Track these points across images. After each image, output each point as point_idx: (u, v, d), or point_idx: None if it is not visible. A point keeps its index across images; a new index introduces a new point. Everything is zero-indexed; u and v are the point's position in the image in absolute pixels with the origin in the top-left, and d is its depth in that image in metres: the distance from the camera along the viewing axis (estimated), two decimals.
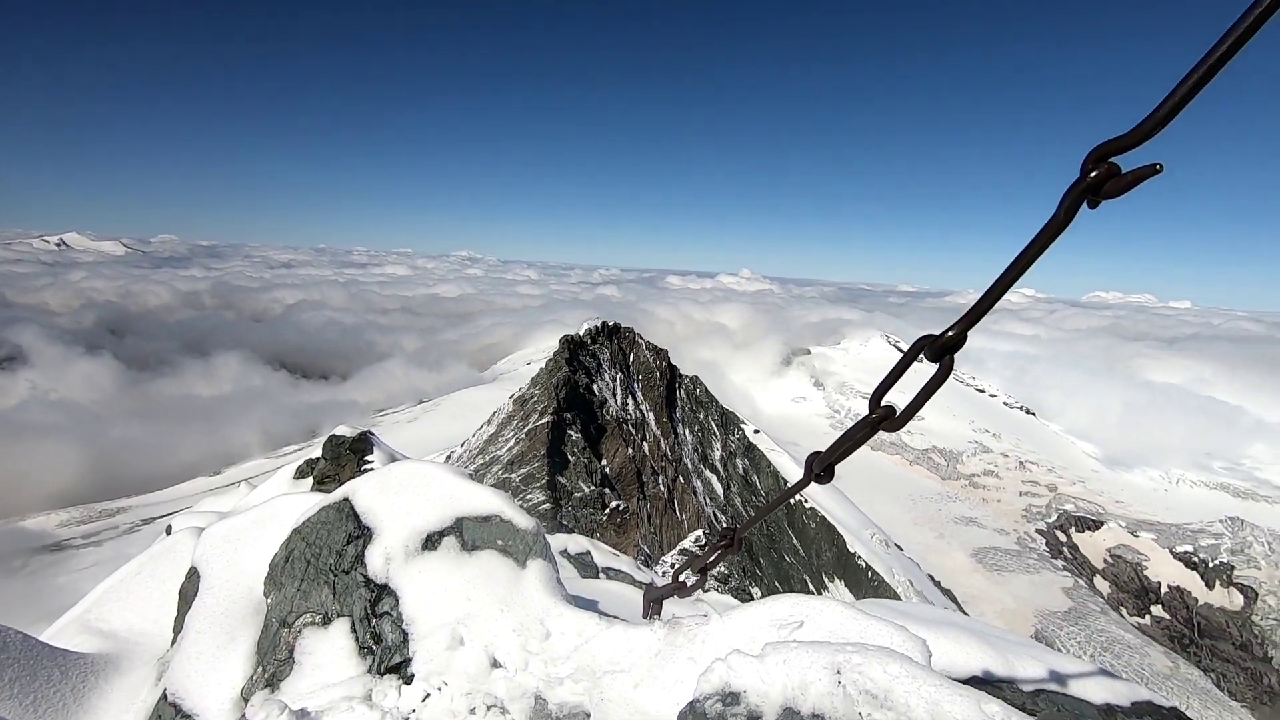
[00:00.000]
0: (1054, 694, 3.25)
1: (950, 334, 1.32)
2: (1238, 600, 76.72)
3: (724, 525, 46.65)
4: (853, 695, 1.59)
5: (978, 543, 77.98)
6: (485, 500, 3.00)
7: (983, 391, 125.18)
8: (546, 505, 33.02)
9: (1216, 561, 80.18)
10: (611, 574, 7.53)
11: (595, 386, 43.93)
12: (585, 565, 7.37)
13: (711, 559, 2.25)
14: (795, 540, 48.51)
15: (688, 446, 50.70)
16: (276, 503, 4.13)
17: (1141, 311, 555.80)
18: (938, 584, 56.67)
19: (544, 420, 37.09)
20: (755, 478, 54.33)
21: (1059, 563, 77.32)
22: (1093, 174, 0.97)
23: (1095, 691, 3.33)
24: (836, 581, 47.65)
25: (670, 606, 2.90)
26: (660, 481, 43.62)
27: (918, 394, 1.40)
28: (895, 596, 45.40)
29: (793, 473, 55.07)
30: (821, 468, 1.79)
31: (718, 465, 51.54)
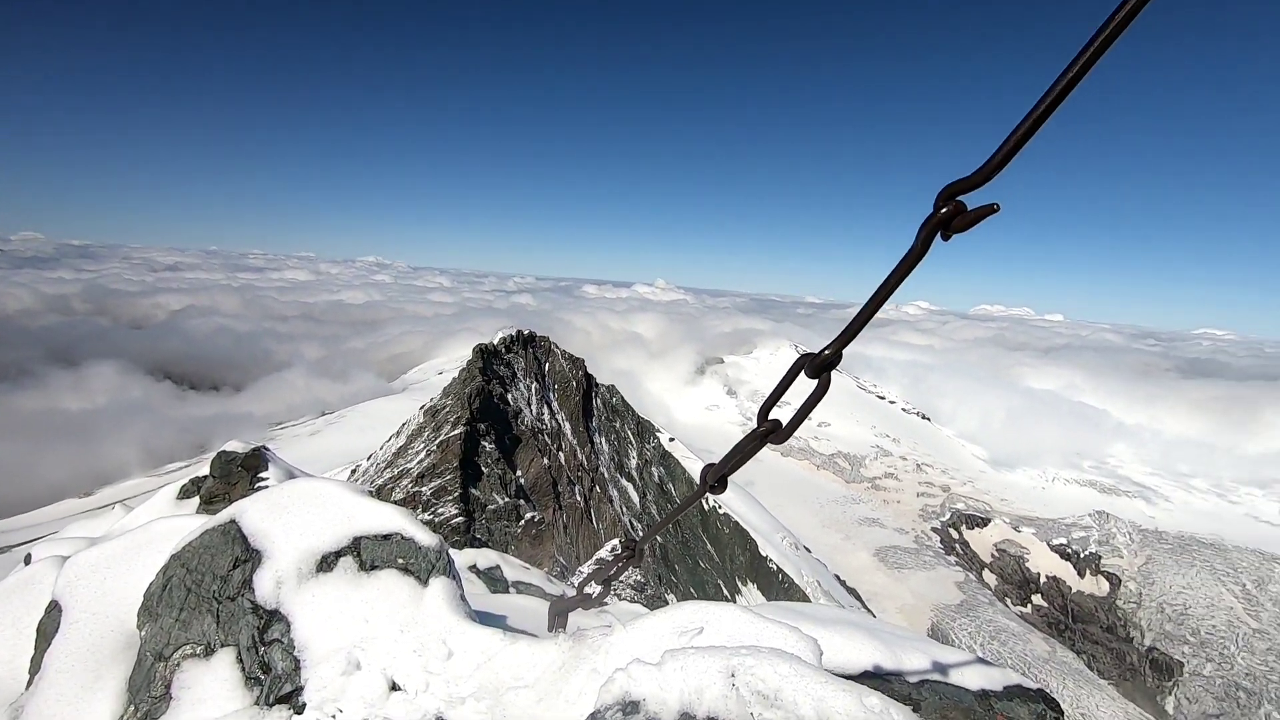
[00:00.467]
0: (936, 684, 3.51)
1: (827, 353, 1.41)
2: (1104, 587, 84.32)
3: (639, 533, 46.80)
4: (745, 697, 1.66)
5: (880, 542, 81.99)
6: (385, 518, 2.89)
7: (883, 398, 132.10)
8: (459, 519, 32.16)
9: (1086, 552, 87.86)
10: (522, 588, 7.42)
11: (510, 396, 43.24)
12: (495, 580, 7.22)
13: (614, 571, 2.28)
14: (710, 546, 49.38)
15: (604, 455, 50.70)
16: (154, 526, 3.80)
17: (1021, 323, 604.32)
18: (843, 583, 59.04)
19: (456, 431, 36.15)
20: (671, 485, 54.97)
21: (952, 558, 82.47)
22: (943, 210, 1.07)
23: (973, 679, 3.64)
24: (749, 584, 48.83)
25: (577, 619, 2.91)
26: (576, 491, 43.37)
27: (799, 408, 1.53)
28: (804, 597, 46.96)
29: None
30: (715, 479, 1.90)
31: (634, 473, 51.81)
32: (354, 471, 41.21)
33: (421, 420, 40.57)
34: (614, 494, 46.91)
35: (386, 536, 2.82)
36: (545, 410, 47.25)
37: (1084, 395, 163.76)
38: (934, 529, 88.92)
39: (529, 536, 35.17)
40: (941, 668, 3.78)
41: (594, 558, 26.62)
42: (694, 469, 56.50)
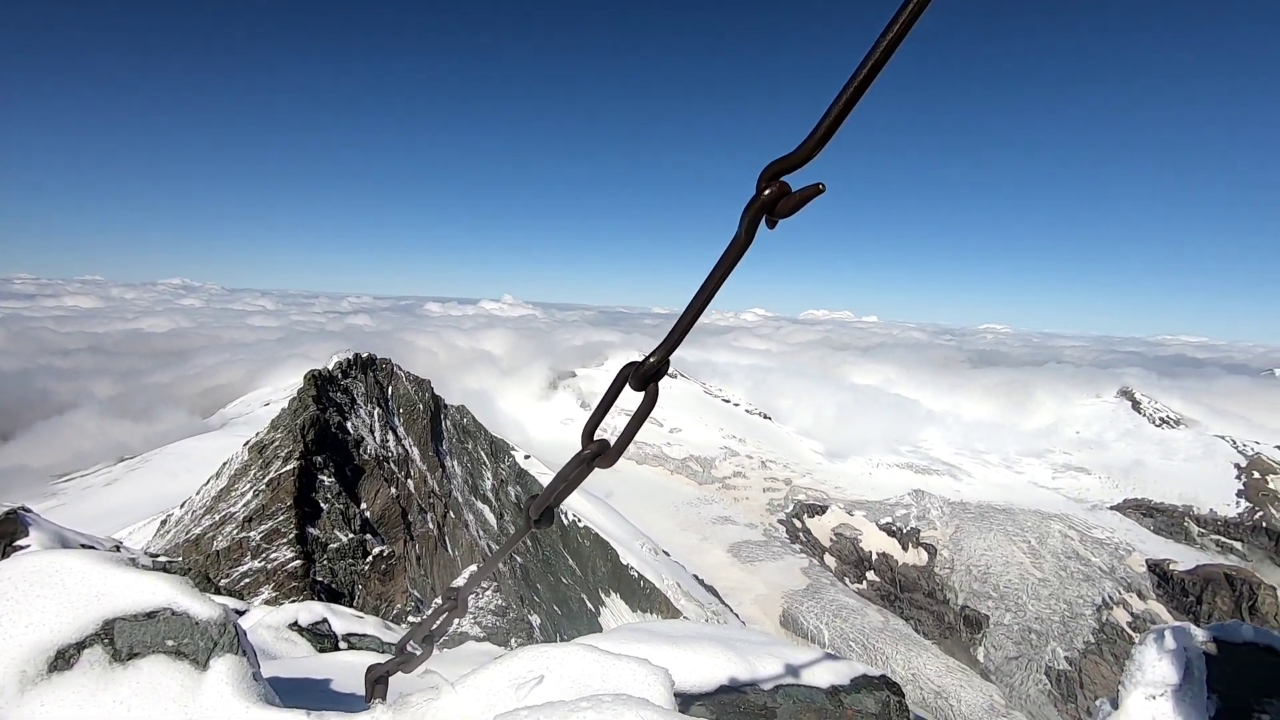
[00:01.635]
0: (790, 687, 3.59)
1: (652, 361, 1.32)
2: (924, 557, 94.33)
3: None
4: None
5: (733, 538, 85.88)
6: (148, 592, 2.32)
7: (728, 401, 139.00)
8: (296, 562, 29.20)
9: (908, 528, 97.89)
10: (355, 641, 6.69)
11: (350, 424, 40.13)
12: (321, 636, 6.44)
13: (436, 624, 1.98)
14: (571, 560, 48.91)
15: (457, 479, 48.59)
16: None
17: (844, 325, 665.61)
18: (702, 582, 60.98)
19: (289, 466, 32.86)
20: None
21: (797, 547, 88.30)
22: (766, 192, 1.00)
23: (823, 676, 3.77)
24: (613, 595, 48.96)
25: (400, 683, 2.55)
26: (429, 519, 41.12)
27: (627, 425, 1.37)
28: (666, 601, 47.88)
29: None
30: (539, 513, 1.67)
31: (490, 495, 50.13)
32: (164, 522, 36.20)
33: (247, 457, 36.47)
34: (469, 518, 45.05)
35: (151, 615, 2.26)
36: (390, 437, 44.42)
37: (899, 388, 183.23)
38: (780, 521, 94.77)
39: (378, 573, 32.75)
40: (794, 669, 3.87)
41: (452, 585, 25.32)
42: None
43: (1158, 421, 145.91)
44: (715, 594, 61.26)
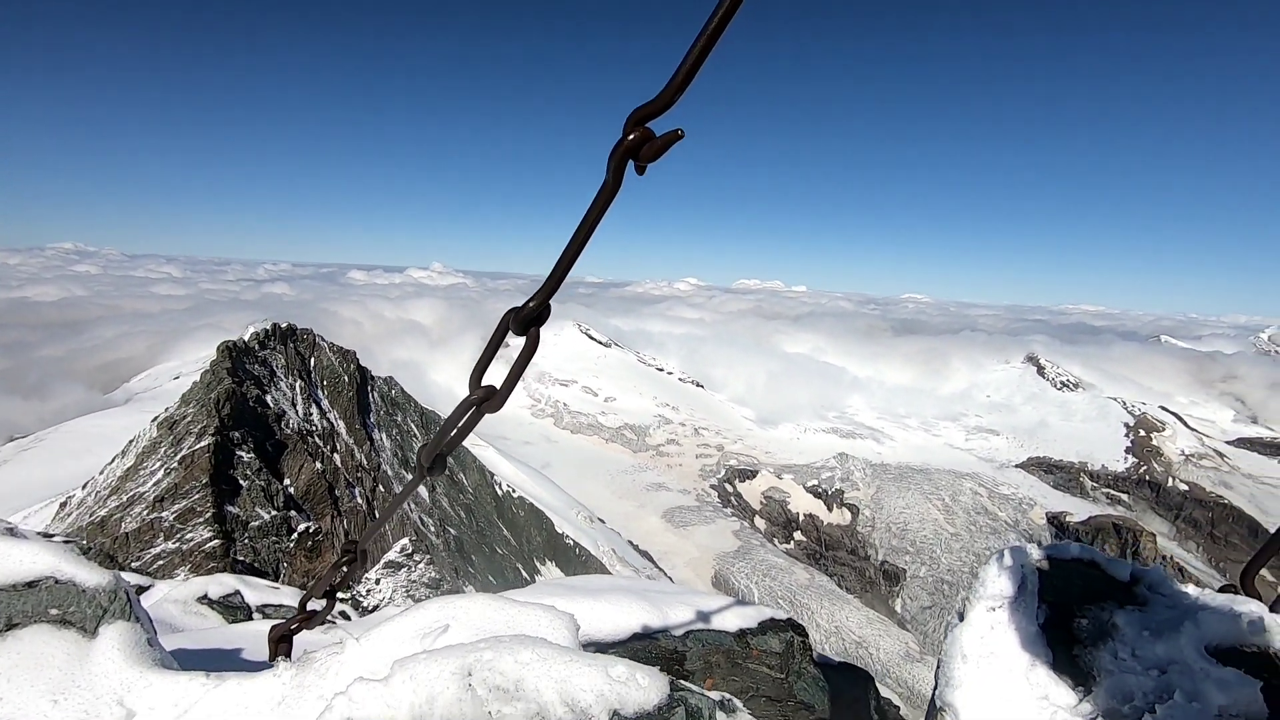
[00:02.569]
0: (699, 632, 3.80)
1: (532, 305, 1.37)
2: (848, 517, 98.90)
3: (431, 529, 44.48)
4: (482, 695, 1.55)
5: (667, 504, 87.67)
6: (28, 560, 2.19)
7: (662, 370, 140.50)
8: (214, 542, 28.02)
9: (833, 489, 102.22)
10: (270, 612, 6.55)
11: (269, 398, 38.43)
12: (233, 608, 6.27)
13: (337, 579, 1.98)
14: (506, 531, 48.86)
15: (386, 452, 47.48)
16: None
17: (775, 295, 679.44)
18: (636, 548, 62.10)
19: (203, 443, 31.28)
20: (462, 475, 53.22)
21: (729, 510, 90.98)
22: (630, 137, 1.05)
23: (732, 621, 4.00)
24: (548, 563, 49.29)
25: (307, 640, 2.53)
26: (358, 494, 40.14)
27: (511, 369, 1.46)
28: (602, 567, 48.57)
29: (498, 466, 55.29)
30: (430, 460, 1.72)
31: None
32: (64, 504, 33.95)
33: (156, 434, 34.45)
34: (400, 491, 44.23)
35: (32, 584, 2.14)
36: (314, 410, 42.83)
37: (826, 356, 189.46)
38: (712, 486, 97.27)
39: (304, 550, 31.82)
40: (704, 615, 4.09)
41: (381, 561, 24.88)
42: (485, 456, 55.31)
43: (1059, 385, 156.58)
44: (650, 559, 62.57)
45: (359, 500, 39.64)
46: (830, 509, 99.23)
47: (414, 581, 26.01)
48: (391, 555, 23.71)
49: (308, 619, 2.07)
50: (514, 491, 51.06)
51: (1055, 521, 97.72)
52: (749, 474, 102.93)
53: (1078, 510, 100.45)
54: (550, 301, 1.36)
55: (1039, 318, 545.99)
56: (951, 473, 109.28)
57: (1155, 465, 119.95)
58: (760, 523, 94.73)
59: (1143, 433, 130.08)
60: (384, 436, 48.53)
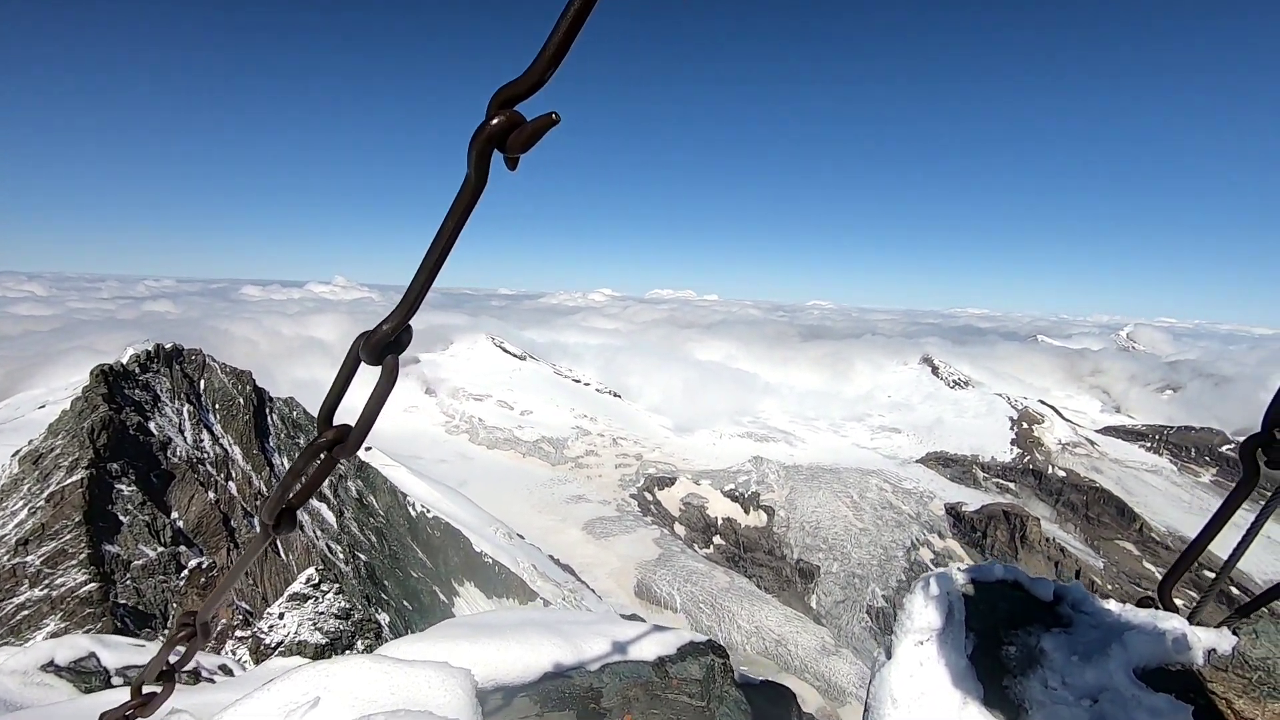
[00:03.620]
0: (616, 665, 3.83)
1: (386, 329, 1.12)
2: (764, 519, 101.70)
3: (340, 555, 42.40)
4: None
5: (587, 516, 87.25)
6: None
7: (579, 381, 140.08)
8: (91, 585, 25.57)
9: (749, 492, 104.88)
10: (133, 674, 6.02)
11: (153, 425, 35.52)
12: (87, 674, 5.71)
13: (173, 659, 1.73)
14: (421, 553, 47.17)
15: None
16: None
17: (688, 304, 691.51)
18: (557, 561, 61.42)
19: (75, 477, 28.54)
20: (372, 498, 51.01)
21: (649, 519, 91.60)
22: (494, 121, 0.88)
23: (649, 649, 4.04)
24: (467, 584, 47.95)
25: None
26: (257, 523, 37.67)
27: (366, 406, 1.15)
28: (521, 584, 47.77)
29: (411, 486, 53.41)
30: (272, 517, 1.41)
31: (326, 492, 46.82)
32: None
33: (18, 470, 31.14)
34: (305, 518, 41.84)
35: None
36: (205, 436, 39.92)
37: (739, 362, 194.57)
38: (632, 495, 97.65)
39: (196, 588, 29.55)
40: (621, 646, 4.09)
41: (285, 594, 23.45)
42: (396, 476, 53.26)
43: (952, 384, 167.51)
44: (571, 572, 62.06)
45: (259, 529, 37.28)
46: (747, 512, 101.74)
47: (321, 614, 24.65)
48: (296, 587, 22.42)
49: (143, 704, 1.81)
50: (429, 512, 49.44)
51: (953, 512, 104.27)
52: (668, 481, 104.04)
53: (972, 500, 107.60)
54: (410, 323, 1.12)
55: (932, 321, 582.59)
56: (859, 470, 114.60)
57: (1037, 455, 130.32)
58: (680, 529, 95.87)
59: (1025, 425, 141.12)
60: (285, 461, 45.84)
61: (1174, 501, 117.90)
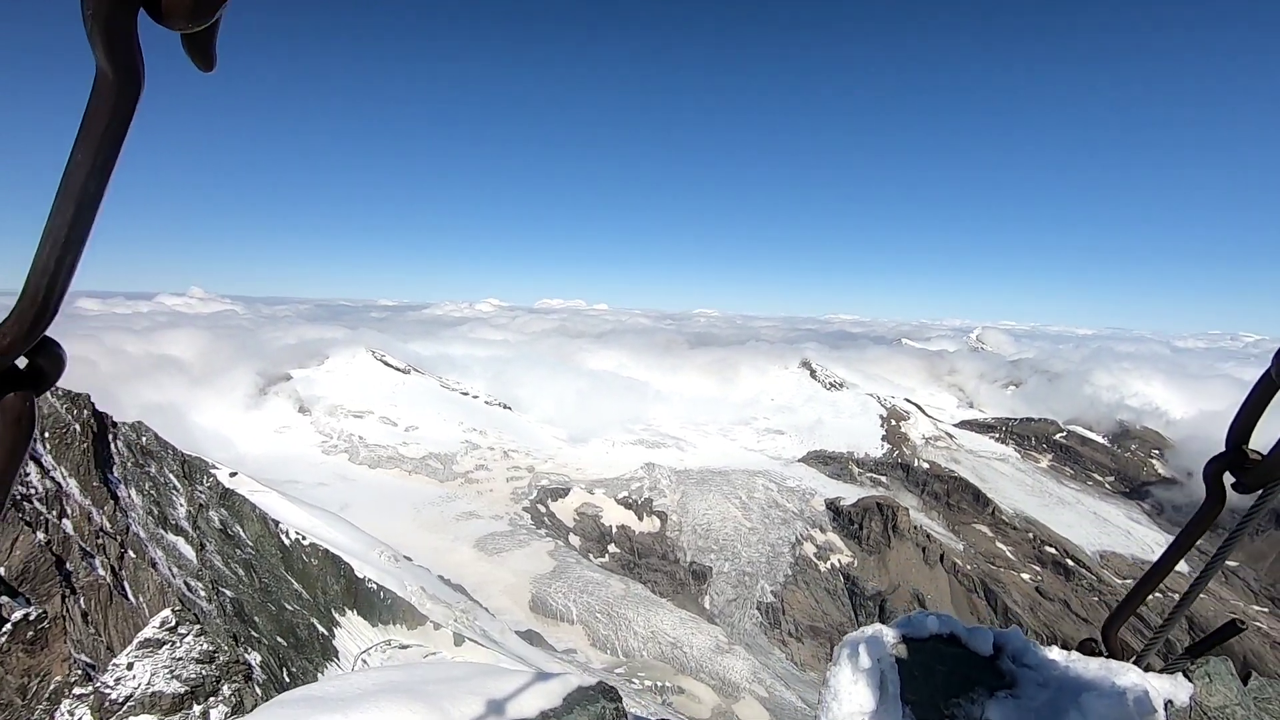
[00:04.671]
0: None
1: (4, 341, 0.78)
2: (657, 524, 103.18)
3: (201, 593, 38.92)
4: None
5: (479, 532, 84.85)
6: None
7: (466, 394, 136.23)
8: None
9: (643, 499, 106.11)
10: None
11: None
12: None
13: None
14: (297, 584, 43.95)
15: (137, 510, 40.35)
16: None
17: (578, 313, 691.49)
18: (448, 582, 59.32)
19: None
20: (238, 527, 46.94)
21: (543, 531, 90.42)
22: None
23: (532, 703, 3.73)
24: (349, 613, 45.18)
25: None
26: (98, 565, 33.57)
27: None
28: (410, 609, 45.79)
29: (284, 512, 49.82)
30: None
31: (184, 525, 42.57)
32: None
33: None
34: (158, 555, 37.76)
35: None
36: (32, 469, 35.22)
37: (630, 371, 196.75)
38: (525, 508, 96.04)
39: (22, 643, 25.92)
40: (497, 706, 3.70)
41: (135, 641, 21.11)
42: (267, 503, 49.36)
43: (829, 386, 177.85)
44: (463, 592, 60.02)
45: (101, 572, 33.21)
46: (641, 518, 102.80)
47: (180, 659, 22.39)
48: (149, 632, 20.23)
49: None
50: (304, 539, 46.19)
51: (832, 507, 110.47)
52: (561, 492, 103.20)
53: (849, 495, 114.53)
54: (50, 332, 0.75)
55: (810, 327, 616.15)
56: (746, 472, 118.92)
57: (904, 449, 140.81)
58: (575, 540, 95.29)
59: (894, 423, 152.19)
60: (133, 493, 41.26)
61: (1019, 486, 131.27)
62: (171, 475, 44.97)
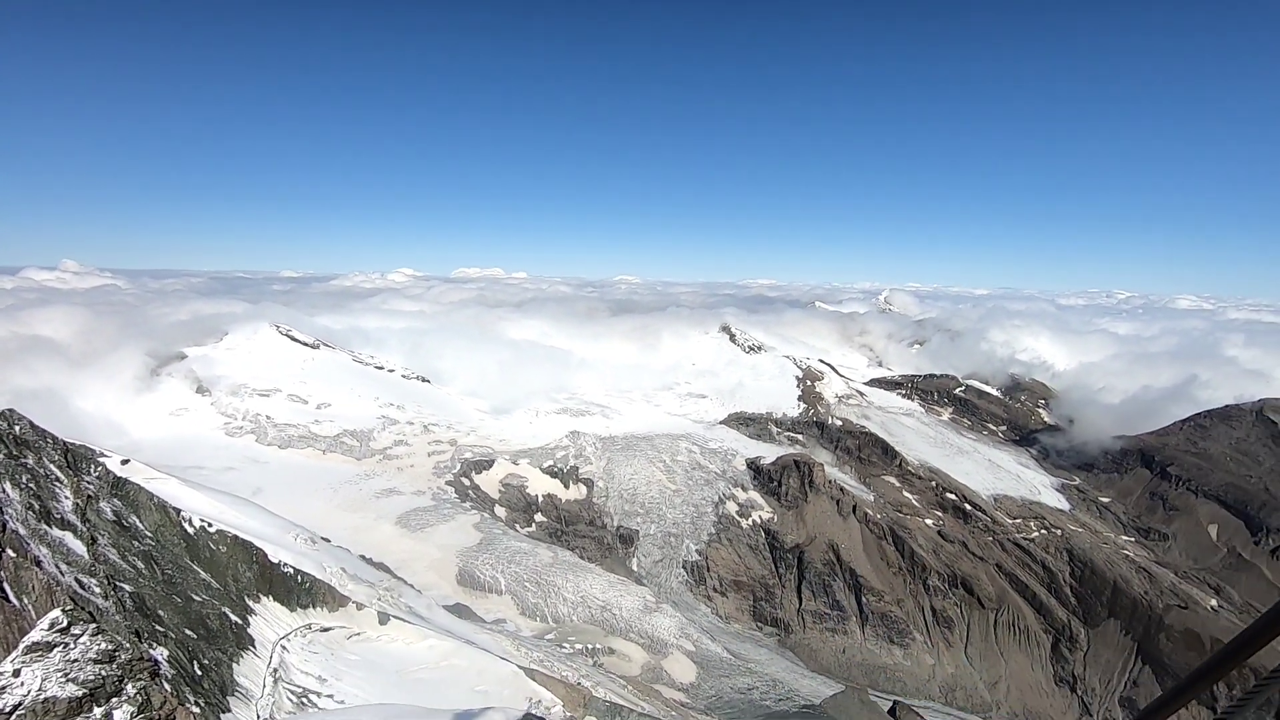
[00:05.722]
0: None
1: None
2: (584, 491, 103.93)
3: (96, 590, 36.58)
4: None
5: (400, 509, 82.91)
6: None
7: (382, 368, 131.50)
8: None
9: (568, 467, 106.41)
10: None
11: None
12: None
13: None
14: (204, 573, 41.73)
15: (15, 506, 37.00)
16: None
17: (496, 282, 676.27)
18: (370, 561, 58.00)
19: None
20: (135, 518, 43.90)
21: (468, 504, 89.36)
22: None
23: None
24: (264, 599, 43.41)
25: None
26: None
27: None
28: (330, 590, 44.64)
29: (185, 499, 47.07)
30: None
31: (72, 519, 39.40)
32: None
33: None
34: (42, 553, 34.86)
35: None
36: None
37: (553, 340, 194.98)
38: (448, 482, 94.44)
39: None
40: None
41: (21, 645, 19.55)
42: (166, 490, 46.37)
43: (748, 350, 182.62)
44: (387, 570, 58.67)
45: None
46: (567, 486, 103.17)
47: (74, 661, 20.98)
48: (36, 635, 18.77)
49: None
50: (210, 526, 43.81)
51: (753, 466, 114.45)
52: (485, 464, 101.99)
53: (769, 454, 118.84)
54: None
55: (728, 292, 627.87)
56: (669, 436, 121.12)
57: (819, 408, 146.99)
58: (501, 511, 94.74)
59: (809, 383, 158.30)
60: (7, 487, 37.77)
61: (923, 438, 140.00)
62: (53, 466, 41.40)
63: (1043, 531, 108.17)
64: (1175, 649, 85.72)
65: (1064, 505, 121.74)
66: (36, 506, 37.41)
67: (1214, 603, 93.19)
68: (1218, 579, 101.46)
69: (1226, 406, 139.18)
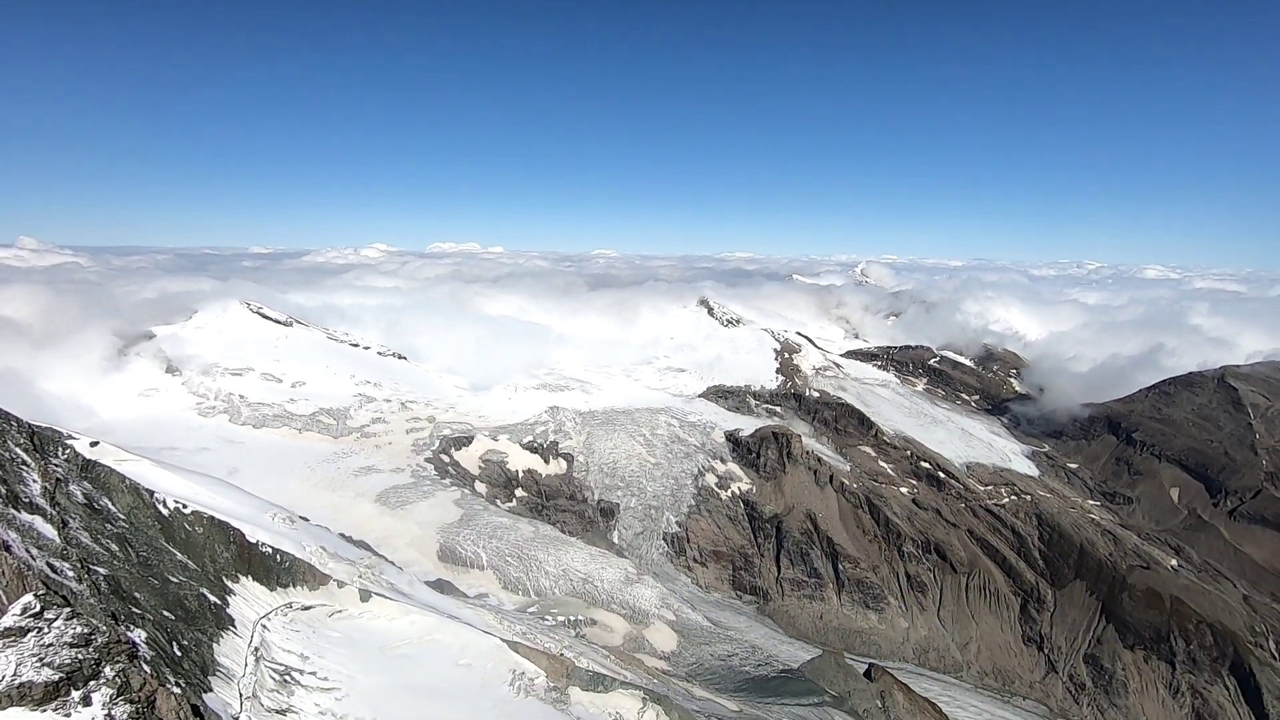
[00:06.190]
0: None
1: None
2: (564, 466, 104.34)
3: (70, 574, 36.17)
4: None
5: (379, 487, 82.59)
6: None
7: (358, 345, 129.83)
8: None
9: (548, 442, 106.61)
10: None
11: None
12: None
13: None
14: (181, 554, 41.35)
15: None
16: None
17: (472, 257, 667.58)
18: (350, 539, 57.88)
19: None
20: (107, 500, 43.21)
21: (447, 481, 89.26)
22: None
23: None
24: (243, 579, 43.18)
25: None
26: None
27: None
28: (310, 569, 44.54)
29: (158, 480, 46.41)
30: None
31: (41, 502, 38.67)
32: None
33: None
34: (11, 537, 34.24)
35: None
36: None
37: (531, 315, 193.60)
38: (427, 459, 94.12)
39: None
40: None
41: None
42: (138, 471, 45.64)
43: (726, 323, 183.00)
44: (367, 547, 58.61)
45: None
46: (547, 461, 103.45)
47: (49, 645, 20.69)
48: (9, 620, 18.47)
49: None
50: (185, 507, 43.29)
51: (732, 438, 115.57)
52: (464, 441, 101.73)
53: (747, 426, 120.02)
54: None
55: (706, 265, 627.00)
56: (649, 410, 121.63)
57: (796, 380, 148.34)
58: (481, 487, 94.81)
59: (787, 356, 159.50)
60: None
61: (898, 408, 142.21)
62: (18, 449, 40.45)
63: (1013, 498, 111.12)
64: (1137, 607, 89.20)
65: (1034, 472, 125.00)
66: (3, 490, 36.60)
67: (1174, 563, 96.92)
68: (1178, 540, 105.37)
69: (1190, 374, 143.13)
